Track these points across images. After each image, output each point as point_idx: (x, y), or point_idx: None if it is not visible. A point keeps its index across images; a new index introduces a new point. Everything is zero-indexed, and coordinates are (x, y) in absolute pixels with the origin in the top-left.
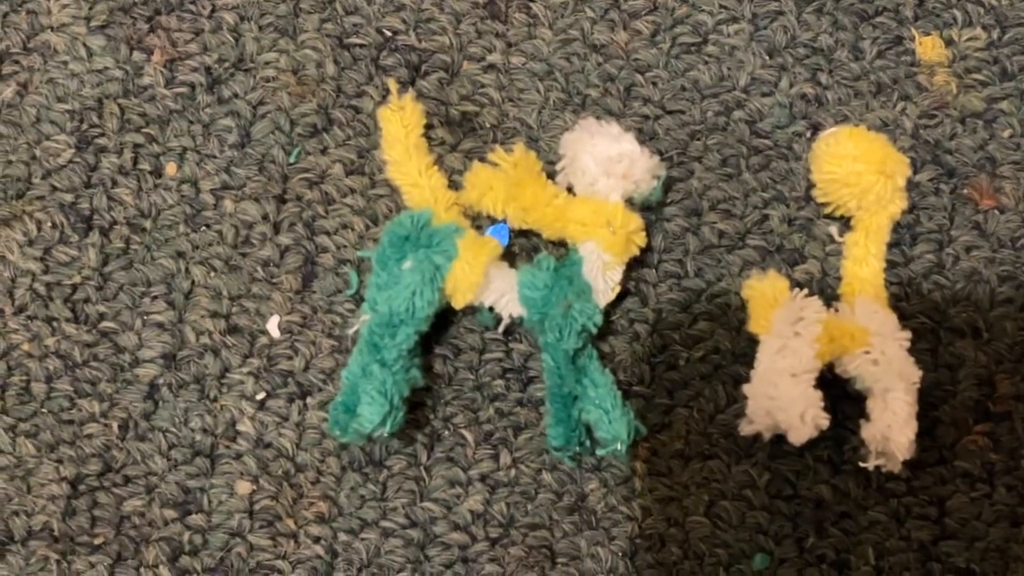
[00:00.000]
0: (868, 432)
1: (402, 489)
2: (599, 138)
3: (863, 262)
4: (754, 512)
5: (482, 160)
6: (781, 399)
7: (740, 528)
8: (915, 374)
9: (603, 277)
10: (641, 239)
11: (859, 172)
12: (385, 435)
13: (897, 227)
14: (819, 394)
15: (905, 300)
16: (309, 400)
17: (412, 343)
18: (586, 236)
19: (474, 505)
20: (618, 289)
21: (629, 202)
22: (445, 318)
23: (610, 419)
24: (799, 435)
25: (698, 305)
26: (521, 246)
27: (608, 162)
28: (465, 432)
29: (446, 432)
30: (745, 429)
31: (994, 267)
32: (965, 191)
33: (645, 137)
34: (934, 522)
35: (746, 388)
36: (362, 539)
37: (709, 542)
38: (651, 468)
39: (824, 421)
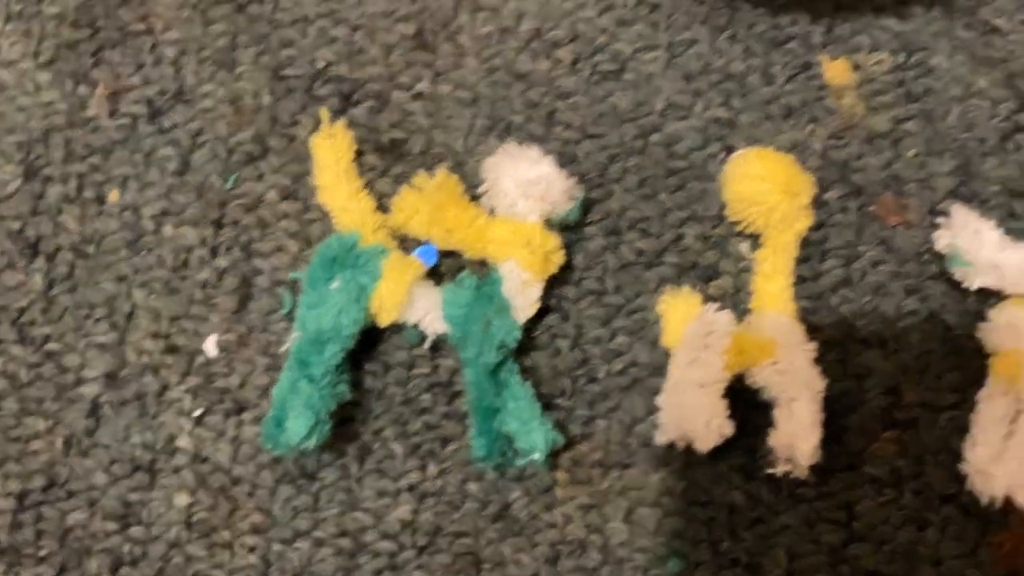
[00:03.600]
0: (775, 439)
1: (334, 500)
2: (519, 162)
3: (771, 277)
4: (671, 518)
5: (410, 184)
6: (689, 409)
7: (657, 533)
8: (819, 383)
9: (522, 294)
10: (559, 258)
11: (765, 192)
12: (312, 447)
13: (807, 243)
14: (724, 403)
15: (815, 313)
16: (245, 416)
17: (339, 360)
18: (506, 255)
19: (402, 514)
20: (537, 306)
21: (548, 222)
22: (374, 335)
23: (528, 430)
24: (705, 443)
25: (617, 320)
26: (448, 266)
27: (526, 185)
28: (394, 444)
29: (376, 445)
30: (660, 438)
31: (899, 281)
32: (872, 209)
33: (566, 160)
34: (843, 526)
35: (659, 399)
36: (295, 548)
37: (628, 547)
38: (572, 477)
39: (728, 429)
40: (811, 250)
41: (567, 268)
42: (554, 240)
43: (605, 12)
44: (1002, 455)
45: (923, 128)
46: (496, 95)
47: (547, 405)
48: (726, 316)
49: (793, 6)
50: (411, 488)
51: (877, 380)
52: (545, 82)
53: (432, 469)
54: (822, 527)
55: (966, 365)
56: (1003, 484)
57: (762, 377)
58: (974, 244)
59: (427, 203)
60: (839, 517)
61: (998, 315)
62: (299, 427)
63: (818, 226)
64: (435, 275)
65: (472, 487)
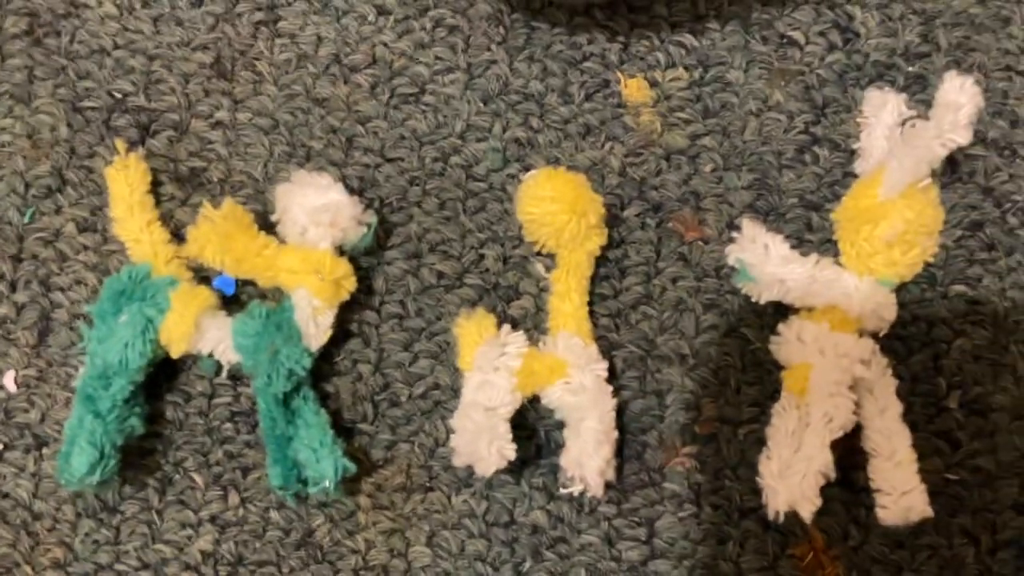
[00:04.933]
0: (565, 460)
1: (135, 532)
2: (308, 189)
3: (566, 297)
4: (473, 540)
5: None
6: (474, 432)
7: (460, 556)
8: (609, 403)
9: (314, 322)
10: (351, 284)
11: (554, 212)
12: (95, 483)
13: (606, 261)
14: (507, 426)
15: (615, 331)
16: (45, 451)
17: (127, 393)
18: (297, 283)
19: (204, 545)
20: (330, 332)
21: (340, 249)
22: (174, 366)
23: (318, 458)
24: (486, 466)
25: (419, 344)
26: (249, 294)
27: (315, 212)
28: (195, 475)
29: (177, 476)
30: (456, 461)
31: (699, 296)
32: (670, 224)
33: (367, 184)
34: (644, 543)
35: (451, 422)
36: None
37: (431, 571)
38: (375, 502)
39: (511, 453)
40: (610, 268)
41: (368, 292)
42: (344, 266)
43: (404, 36)
44: (787, 469)
45: (720, 143)
46: (295, 121)
47: (349, 431)
48: (518, 338)
49: (590, 25)
50: (213, 519)
51: (677, 396)
52: (344, 107)
53: (234, 499)
54: (623, 544)
55: (764, 379)
56: (785, 498)
57: (555, 398)
58: (760, 258)
59: (217, 233)
60: (639, 534)
61: (787, 330)
62: (81, 464)
63: (617, 243)
64: (238, 305)
65: (274, 515)
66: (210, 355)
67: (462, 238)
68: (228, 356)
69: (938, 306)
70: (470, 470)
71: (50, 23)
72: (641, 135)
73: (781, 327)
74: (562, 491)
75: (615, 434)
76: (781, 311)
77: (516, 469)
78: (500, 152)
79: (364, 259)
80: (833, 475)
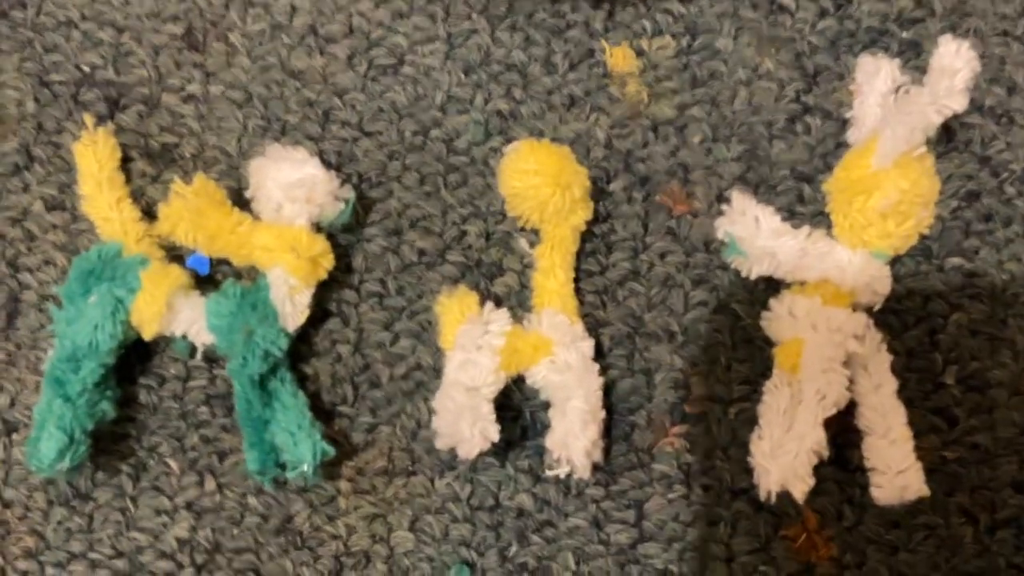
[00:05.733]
0: (551, 441)
1: (108, 520)
2: (283, 164)
3: (551, 273)
4: (457, 524)
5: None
6: (456, 412)
7: (444, 541)
8: (595, 382)
9: (291, 301)
10: (328, 261)
11: (537, 185)
12: (65, 469)
13: (592, 236)
14: (490, 407)
15: (602, 308)
16: (15, 437)
17: (97, 377)
18: (272, 262)
19: (180, 532)
20: (308, 312)
21: (317, 226)
22: (148, 348)
23: (295, 442)
24: (469, 448)
25: (399, 323)
26: (224, 273)
27: (290, 187)
28: (170, 460)
29: (151, 461)
30: (439, 443)
31: (688, 272)
32: (658, 198)
33: (344, 160)
34: (633, 525)
35: (433, 403)
36: (69, 571)
37: (414, 556)
38: (355, 487)
39: (494, 434)
40: (596, 243)
41: (347, 271)
42: (322, 243)
43: (381, 5)
44: (779, 448)
45: (709, 113)
46: (270, 94)
47: (328, 413)
48: (501, 315)
49: None
50: (189, 505)
51: (665, 374)
52: (320, 79)
53: (210, 484)
54: (611, 527)
55: (755, 356)
56: (777, 478)
57: (540, 377)
58: (750, 231)
59: (189, 210)
60: (628, 517)
61: (778, 305)
62: (49, 449)
63: (603, 217)
64: (212, 284)
65: (252, 501)
66: (183, 336)
67: (443, 214)
68: (202, 337)
69: (934, 279)
70: (453, 453)
71: None
72: (627, 106)
73: (772, 302)
74: (548, 473)
75: (602, 414)
76: (772, 286)
77: (501, 451)
78: (482, 125)
79: (342, 236)
80: (826, 454)
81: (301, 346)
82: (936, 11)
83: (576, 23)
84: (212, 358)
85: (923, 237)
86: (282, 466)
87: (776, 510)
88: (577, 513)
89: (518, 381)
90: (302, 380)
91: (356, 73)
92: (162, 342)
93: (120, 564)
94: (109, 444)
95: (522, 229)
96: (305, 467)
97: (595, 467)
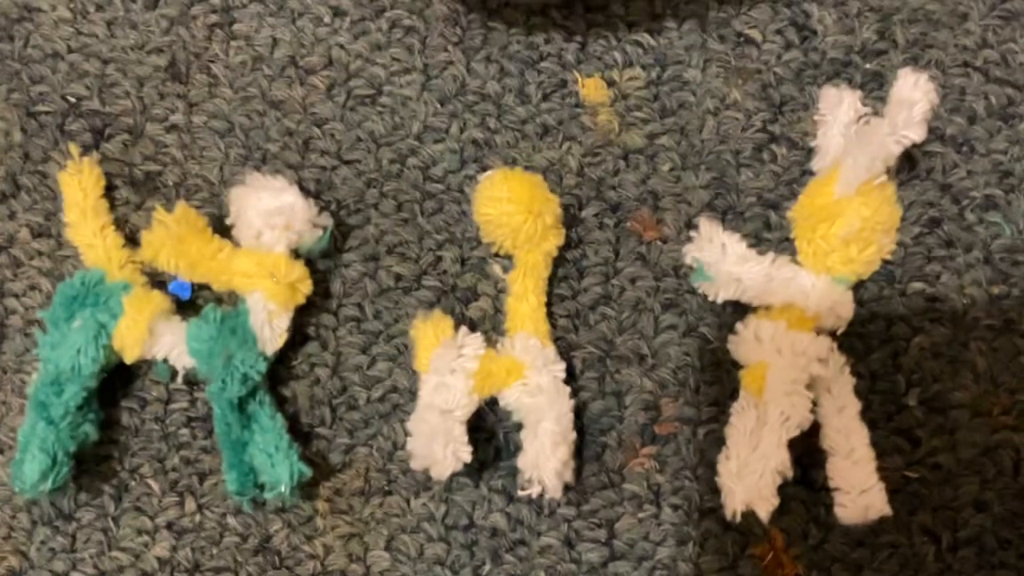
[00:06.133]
0: (523, 462)
1: (91, 540)
2: (262, 192)
3: (523, 298)
4: (432, 543)
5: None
6: (430, 435)
7: (419, 560)
8: (566, 404)
9: (270, 326)
10: (307, 287)
11: (510, 212)
12: (48, 490)
13: (565, 261)
14: (463, 429)
15: (574, 331)
16: (0, 458)
17: (80, 400)
18: (251, 287)
19: (161, 552)
20: (286, 336)
21: (295, 252)
22: (130, 371)
23: (273, 463)
24: (442, 469)
25: (376, 347)
26: (205, 298)
27: (269, 215)
28: (151, 481)
29: (133, 482)
30: (413, 464)
31: (658, 296)
32: (629, 224)
33: (323, 187)
34: (604, 544)
35: (407, 425)
36: None
37: (390, 575)
38: (333, 507)
39: (466, 455)
40: (568, 268)
41: (325, 296)
42: (300, 269)
43: (360, 37)
44: (745, 468)
45: (678, 142)
46: (251, 124)
47: (307, 435)
48: (475, 339)
49: (547, 25)
50: (169, 525)
51: (636, 396)
52: (300, 109)
53: (191, 505)
54: (582, 546)
55: (723, 379)
56: (742, 498)
57: (512, 399)
58: (717, 257)
59: (171, 237)
60: (599, 536)
61: (744, 329)
62: (32, 471)
63: (576, 243)
64: (193, 309)
65: (231, 521)
66: (165, 360)
67: (420, 240)
68: (183, 361)
69: (896, 303)
70: (428, 473)
71: (3, 27)
72: (599, 135)
73: (738, 326)
74: (521, 493)
75: (573, 435)
76: (740, 310)
77: (475, 472)
78: (457, 153)
79: (321, 262)
80: (791, 474)
81: (280, 369)
82: (899, 43)
83: (549, 55)
84: (193, 381)
85: (886, 262)
86: (261, 487)
87: (744, 529)
88: (549, 532)
89: (492, 403)
90: (281, 402)
91: (335, 103)
92: (144, 366)
93: None
94: (92, 465)
95: (496, 255)
96: (283, 488)
97: (567, 487)
